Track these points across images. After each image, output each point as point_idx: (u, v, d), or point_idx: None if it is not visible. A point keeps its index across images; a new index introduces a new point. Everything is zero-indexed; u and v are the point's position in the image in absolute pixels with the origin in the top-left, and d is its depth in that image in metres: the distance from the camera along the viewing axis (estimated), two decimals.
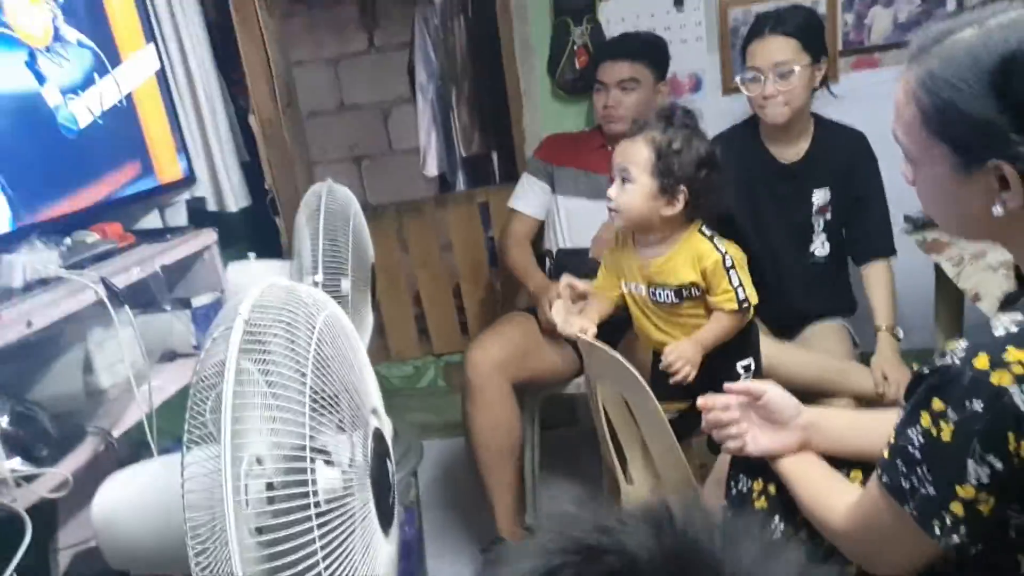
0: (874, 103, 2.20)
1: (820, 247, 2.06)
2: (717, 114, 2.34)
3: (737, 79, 1.98)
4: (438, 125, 3.28)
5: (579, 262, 2.23)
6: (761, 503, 1.22)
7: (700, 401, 1.25)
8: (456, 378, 2.73)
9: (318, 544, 0.74)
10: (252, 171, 2.30)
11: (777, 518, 1.19)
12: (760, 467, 1.23)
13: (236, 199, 2.15)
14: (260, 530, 0.75)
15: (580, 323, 1.65)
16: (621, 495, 1.71)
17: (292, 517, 0.73)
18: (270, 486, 0.77)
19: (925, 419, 0.85)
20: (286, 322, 0.84)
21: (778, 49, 1.90)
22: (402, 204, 2.79)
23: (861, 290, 2.09)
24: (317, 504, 0.74)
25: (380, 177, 3.70)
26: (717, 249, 1.61)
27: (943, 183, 0.90)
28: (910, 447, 0.87)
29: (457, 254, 2.72)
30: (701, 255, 1.61)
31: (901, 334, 1.97)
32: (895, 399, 1.82)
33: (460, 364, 2.75)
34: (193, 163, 2.01)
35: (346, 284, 1.73)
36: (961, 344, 0.84)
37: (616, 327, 1.81)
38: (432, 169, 3.30)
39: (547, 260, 2.35)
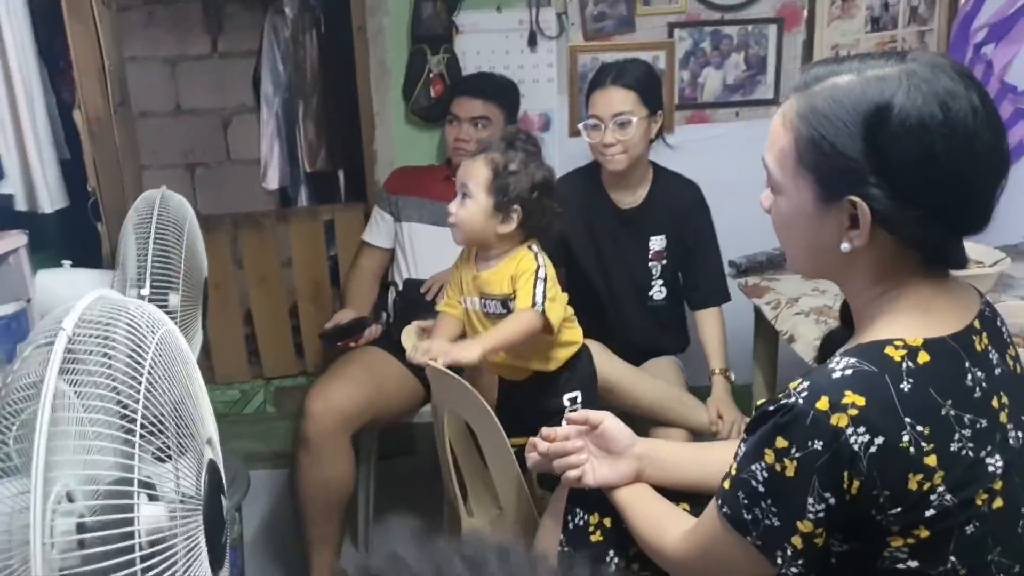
0: (706, 155, 2.38)
1: (658, 291, 2.16)
2: (565, 155, 2.43)
3: (580, 126, 2.07)
4: (282, 138, 3.17)
5: (423, 292, 2.23)
6: (597, 536, 1.25)
7: (543, 431, 1.27)
8: (288, 404, 2.63)
9: None
10: (72, 170, 2.11)
11: (612, 552, 1.22)
12: (596, 500, 1.26)
13: (52, 200, 1.96)
14: None
15: (431, 348, 1.63)
16: (462, 527, 1.70)
17: (109, 562, 0.66)
18: (81, 526, 0.70)
19: (769, 456, 0.89)
20: (115, 340, 0.77)
21: (618, 100, 2.00)
22: (239, 216, 2.66)
23: (693, 328, 2.22)
24: (140, 546, 0.68)
25: (215, 187, 3.52)
26: (536, 260, 1.67)
27: (802, 213, 0.96)
28: (753, 481, 0.91)
29: (297, 272, 2.62)
30: (520, 263, 1.66)
31: (733, 376, 2.11)
32: (728, 437, 1.94)
33: (292, 390, 2.66)
34: (1, 157, 1.82)
35: (175, 299, 1.63)
36: (803, 384, 0.90)
37: None
38: (273, 182, 3.18)
39: (391, 291, 2.34)
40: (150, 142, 3.29)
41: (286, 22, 3.10)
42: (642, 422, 1.92)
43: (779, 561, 0.92)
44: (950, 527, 0.88)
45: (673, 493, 1.21)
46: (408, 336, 1.75)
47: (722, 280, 2.16)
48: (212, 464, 0.89)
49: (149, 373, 0.77)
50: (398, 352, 2.06)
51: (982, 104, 0.88)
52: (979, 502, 0.88)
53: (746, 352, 2.34)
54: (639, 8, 2.46)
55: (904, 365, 0.88)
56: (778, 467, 0.88)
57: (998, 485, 0.89)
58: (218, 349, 2.60)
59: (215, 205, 3.32)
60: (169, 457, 0.80)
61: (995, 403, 0.91)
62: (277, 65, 3.14)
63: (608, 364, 1.97)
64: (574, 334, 1.76)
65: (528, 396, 1.63)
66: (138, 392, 0.76)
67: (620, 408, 1.97)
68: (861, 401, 0.85)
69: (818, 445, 0.86)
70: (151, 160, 3.30)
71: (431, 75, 2.47)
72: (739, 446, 0.96)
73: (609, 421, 1.25)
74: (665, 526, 1.11)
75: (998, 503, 0.89)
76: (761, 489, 0.90)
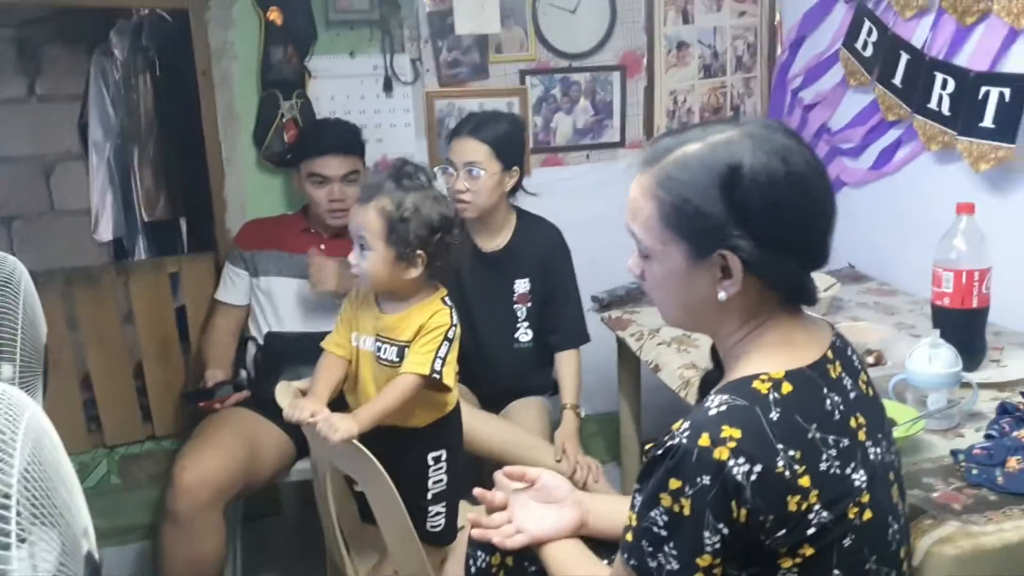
0: (561, 196, 2.47)
1: (524, 333, 2.20)
2: None
3: (436, 169, 2.10)
4: (116, 186, 2.97)
5: (288, 345, 2.15)
6: None
7: (477, 492, 1.27)
8: (136, 473, 2.43)
9: None
10: None
11: None
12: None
13: None
14: None
15: (309, 406, 1.57)
16: None
17: None
18: None
19: (666, 499, 0.93)
20: None
21: (471, 150, 2.05)
22: (72, 272, 2.45)
23: None
24: None
25: (37, 241, 3.22)
26: (451, 318, 1.65)
27: (676, 272, 1.02)
28: (655, 527, 0.95)
29: (141, 329, 2.44)
30: (433, 316, 1.63)
31: (583, 412, 2.17)
32: (570, 472, 1.98)
33: (140, 457, 2.46)
34: None
35: (8, 370, 1.48)
36: (685, 425, 0.95)
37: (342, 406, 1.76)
38: (106, 233, 2.97)
39: (250, 346, 2.24)
40: None
41: (116, 64, 2.93)
42: (489, 466, 1.95)
43: None
44: (830, 542, 0.95)
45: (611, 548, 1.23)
46: (283, 393, 1.68)
47: (581, 321, 2.22)
48: (90, 556, 0.82)
49: (23, 467, 0.70)
50: (266, 411, 1.98)
51: (812, 157, 1.01)
52: (851, 515, 0.96)
53: (611, 382, 2.44)
54: (492, 55, 2.53)
55: (771, 396, 0.95)
56: (676, 508, 0.93)
57: (866, 498, 0.97)
58: (53, 417, 2.35)
59: (38, 260, 3.00)
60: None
61: (853, 423, 1.00)
62: (107, 109, 2.95)
63: (467, 416, 1.98)
64: (451, 395, 1.74)
65: (390, 449, 1.58)
66: (10, 486, 0.69)
67: (469, 454, 1.98)
68: (737, 433, 0.91)
69: (706, 480, 0.91)
70: None
71: (284, 120, 2.41)
72: (634, 496, 0.99)
73: (546, 475, 1.28)
74: None
75: (868, 515, 0.97)
76: (664, 533, 0.94)
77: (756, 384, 0.96)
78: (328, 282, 2.09)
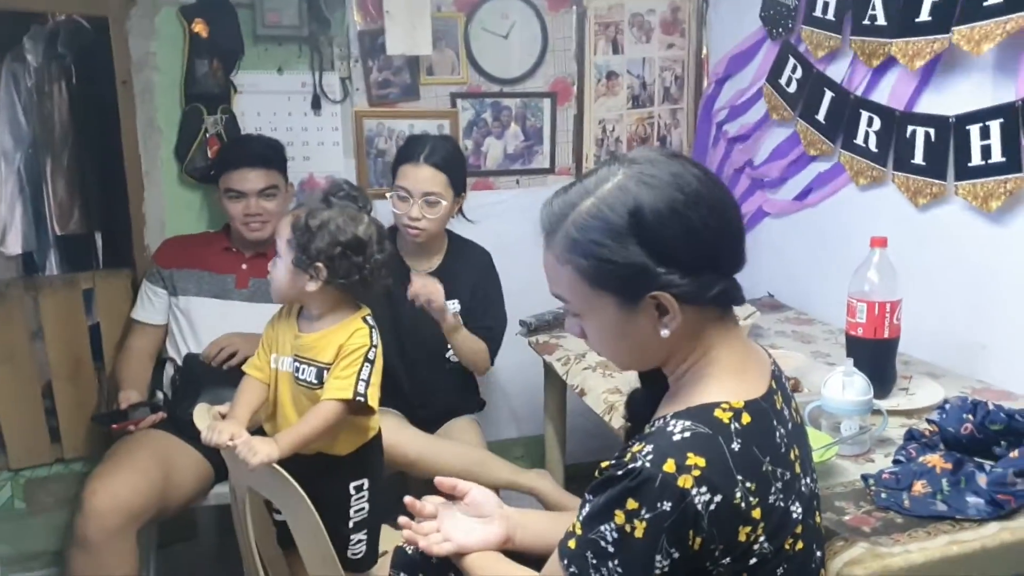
0: (491, 219, 2.48)
1: (455, 354, 2.20)
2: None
3: (388, 195, 2.10)
4: (26, 198, 2.83)
5: (207, 368, 2.09)
6: None
7: (407, 500, 1.26)
8: (42, 497, 2.32)
9: None
10: None
11: None
12: (419, 563, 1.29)
13: None
14: None
15: (229, 429, 1.53)
16: None
17: None
18: None
19: (619, 517, 0.93)
20: None
21: (429, 179, 2.05)
22: None
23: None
24: None
25: None
26: (371, 339, 1.62)
27: (612, 325, 1.03)
28: (602, 541, 0.95)
29: (51, 347, 2.33)
30: (352, 335, 1.61)
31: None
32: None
33: (47, 480, 2.34)
34: None
35: None
36: (647, 448, 0.95)
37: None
38: (15, 247, 2.81)
39: (168, 367, 2.17)
40: None
41: (29, 71, 2.81)
42: (416, 484, 1.94)
43: None
44: (767, 572, 0.97)
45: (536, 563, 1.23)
46: (201, 415, 1.63)
47: (495, 333, 2.20)
48: None
49: None
50: (183, 433, 1.92)
51: (699, 170, 1.02)
52: (787, 546, 0.99)
53: (538, 406, 2.45)
54: (423, 77, 2.54)
55: (732, 426, 0.96)
56: (628, 527, 0.93)
57: (799, 529, 1.00)
58: None
59: None
60: None
61: (792, 456, 1.02)
62: (18, 117, 2.82)
63: (408, 438, 1.98)
64: (373, 420, 1.72)
65: (311, 476, 1.54)
66: None
67: (425, 477, 1.97)
68: (702, 462, 0.92)
69: (667, 506, 0.91)
70: None
71: (207, 135, 2.36)
72: (582, 506, 0.99)
73: (475, 489, 1.28)
74: None
75: (799, 545, 1.00)
76: (610, 549, 0.94)
77: (718, 412, 0.97)
78: None
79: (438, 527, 1.24)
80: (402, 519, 1.27)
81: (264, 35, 2.38)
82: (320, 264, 1.57)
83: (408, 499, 1.27)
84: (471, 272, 2.20)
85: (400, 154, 2.13)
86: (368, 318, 1.65)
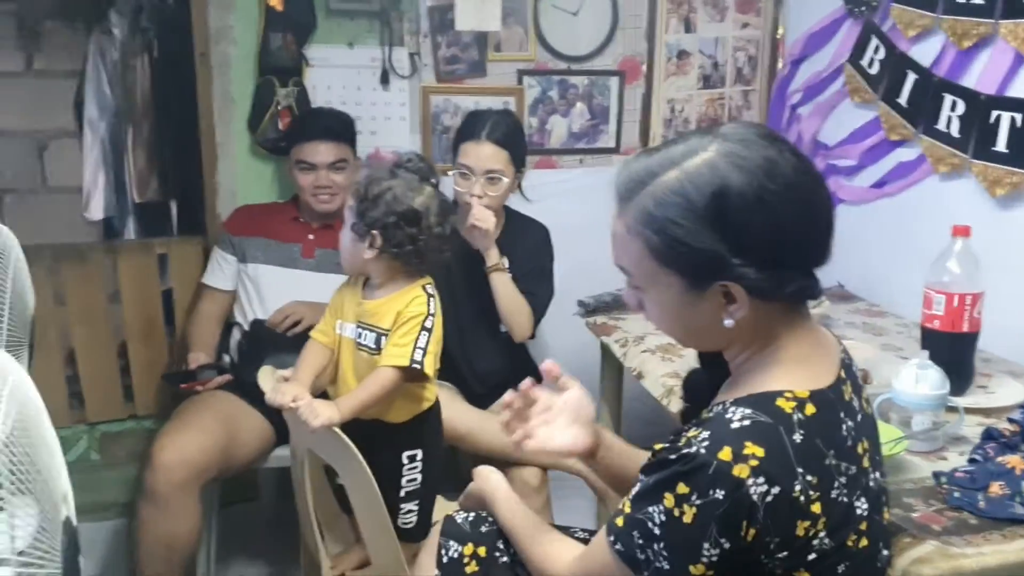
0: (552, 199, 2.46)
1: (496, 302, 2.18)
2: None
3: (450, 173, 2.11)
4: (108, 165, 2.94)
5: (272, 333, 2.15)
6: (472, 567, 1.26)
7: (546, 365, 1.25)
8: (115, 451, 2.43)
9: None
10: None
11: None
12: (468, 532, 1.29)
13: None
14: None
15: (292, 390, 1.57)
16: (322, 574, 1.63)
17: None
18: None
19: (669, 500, 0.91)
20: None
21: (491, 157, 2.05)
22: (61, 248, 2.44)
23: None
24: None
25: (27, 216, 3.20)
26: (428, 307, 1.63)
27: (673, 305, 0.99)
28: (650, 523, 0.93)
29: (127, 309, 2.43)
30: (411, 303, 1.62)
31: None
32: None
33: (120, 435, 2.45)
34: None
35: None
36: (703, 434, 0.92)
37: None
38: (97, 212, 2.94)
39: (235, 331, 2.23)
40: None
41: (115, 43, 2.91)
42: (494, 464, 1.93)
43: None
44: (826, 568, 0.94)
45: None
46: (266, 377, 1.67)
47: (542, 301, 2.18)
48: (68, 523, 0.82)
49: (5, 429, 0.70)
50: (248, 395, 1.98)
51: (796, 157, 0.95)
52: (850, 543, 0.95)
53: (593, 388, 2.43)
54: (490, 54, 2.53)
55: (795, 417, 0.92)
56: (676, 511, 0.91)
57: (864, 526, 0.96)
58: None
59: (28, 235, 2.95)
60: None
61: (860, 449, 0.98)
62: (104, 88, 2.93)
63: (458, 413, 1.99)
64: (430, 391, 1.73)
65: (366, 443, 1.56)
66: None
67: (472, 454, 1.98)
68: (761, 452, 0.89)
69: (719, 494, 0.88)
70: None
71: (279, 107, 2.41)
72: (633, 485, 0.98)
73: (576, 390, 1.26)
74: (552, 546, 1.15)
75: (864, 542, 0.96)
76: (657, 531, 0.93)
77: (780, 402, 0.93)
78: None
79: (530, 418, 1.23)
80: (506, 397, 1.25)
81: (336, 9, 2.41)
82: (375, 232, 1.59)
83: (547, 363, 1.25)
84: (528, 247, 2.20)
85: (461, 131, 2.14)
86: (428, 287, 1.67)
